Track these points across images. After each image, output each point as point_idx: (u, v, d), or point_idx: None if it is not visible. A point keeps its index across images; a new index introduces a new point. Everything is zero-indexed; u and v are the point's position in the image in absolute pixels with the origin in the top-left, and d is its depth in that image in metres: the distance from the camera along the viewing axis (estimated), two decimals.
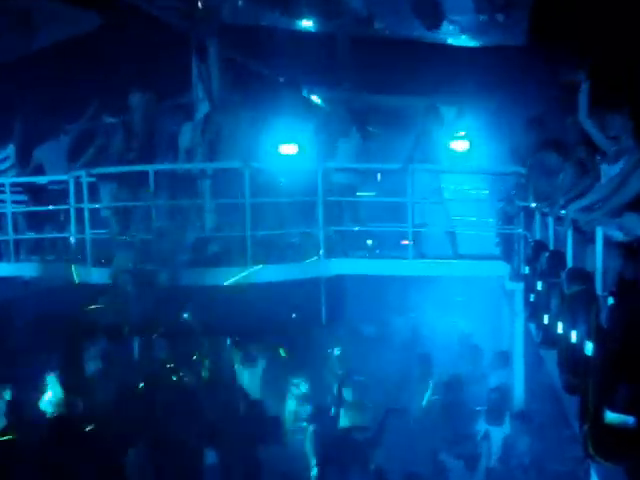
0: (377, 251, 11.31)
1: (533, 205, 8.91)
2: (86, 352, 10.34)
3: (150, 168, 10.17)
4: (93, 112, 11.14)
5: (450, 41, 12.27)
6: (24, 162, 11.46)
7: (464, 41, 12.34)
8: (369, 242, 11.41)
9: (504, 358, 11.11)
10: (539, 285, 7.82)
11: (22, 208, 11.46)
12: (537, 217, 8.65)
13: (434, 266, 10.50)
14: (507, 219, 10.65)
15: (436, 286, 12.81)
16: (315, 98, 13.19)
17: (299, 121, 10.72)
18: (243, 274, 10.00)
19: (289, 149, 10.90)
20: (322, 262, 10.48)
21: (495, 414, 10.01)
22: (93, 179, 10.62)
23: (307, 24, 12.41)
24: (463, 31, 12.00)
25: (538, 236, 8.57)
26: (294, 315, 10.81)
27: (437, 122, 10.53)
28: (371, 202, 11.66)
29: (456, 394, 10.43)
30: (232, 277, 9.99)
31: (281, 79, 11.82)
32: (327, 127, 10.84)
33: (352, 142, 10.83)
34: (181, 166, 10.67)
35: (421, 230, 10.65)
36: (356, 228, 10.91)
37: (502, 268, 10.43)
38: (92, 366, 10.36)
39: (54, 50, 12.00)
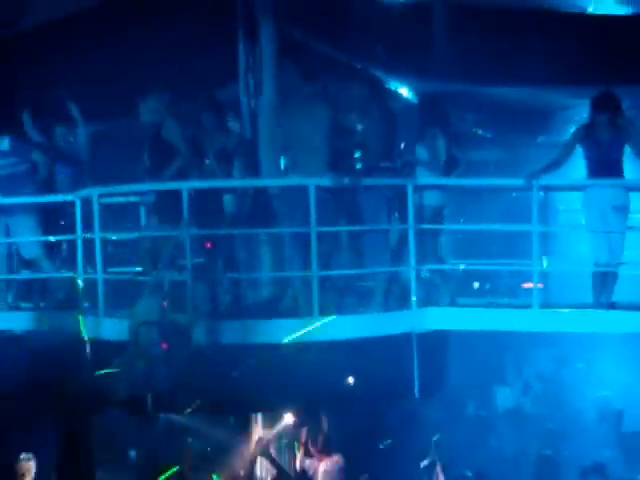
0: (488, 298, 9.12)
1: None
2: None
3: (184, 186, 8.03)
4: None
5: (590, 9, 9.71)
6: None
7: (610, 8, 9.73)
8: (475, 285, 9.38)
9: None
10: None
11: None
12: None
13: (571, 319, 8.14)
14: None
15: (570, 347, 10.53)
16: (404, 91, 10.79)
17: None
18: (307, 328, 7.92)
19: None
20: (414, 312, 8.33)
21: None
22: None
23: None
24: None
25: None
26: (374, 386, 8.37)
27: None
28: (481, 231, 9.48)
29: None
30: (292, 333, 7.92)
31: (358, 65, 9.35)
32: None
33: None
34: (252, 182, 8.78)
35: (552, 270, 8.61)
36: (461, 266, 8.83)
37: None
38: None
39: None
